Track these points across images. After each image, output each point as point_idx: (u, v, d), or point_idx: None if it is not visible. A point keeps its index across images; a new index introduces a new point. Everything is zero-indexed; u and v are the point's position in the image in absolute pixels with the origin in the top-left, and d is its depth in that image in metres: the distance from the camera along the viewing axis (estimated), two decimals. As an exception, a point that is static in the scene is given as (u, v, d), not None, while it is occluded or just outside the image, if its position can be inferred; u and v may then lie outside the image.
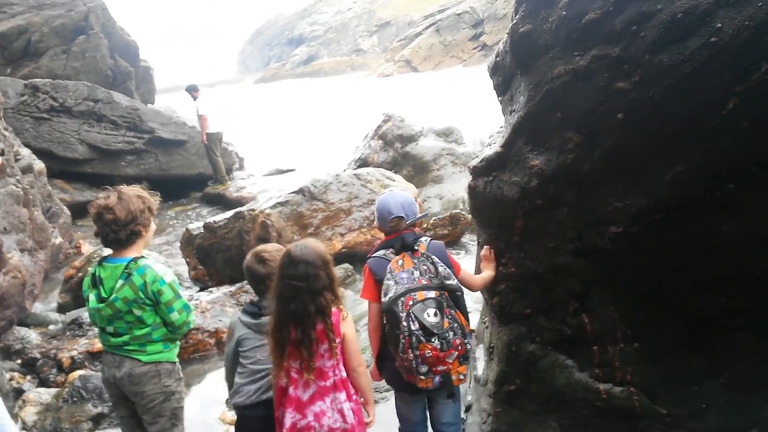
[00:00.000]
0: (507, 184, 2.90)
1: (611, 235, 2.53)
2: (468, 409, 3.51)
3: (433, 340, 2.47)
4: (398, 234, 2.78)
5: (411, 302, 2.51)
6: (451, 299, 2.60)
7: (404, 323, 2.48)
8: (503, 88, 3.15)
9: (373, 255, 2.81)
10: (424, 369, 2.51)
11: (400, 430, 2.95)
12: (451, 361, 2.54)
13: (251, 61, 71.85)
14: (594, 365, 2.82)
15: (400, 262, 2.64)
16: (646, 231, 2.44)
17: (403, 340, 2.49)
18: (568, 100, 2.54)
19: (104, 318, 2.57)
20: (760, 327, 2.36)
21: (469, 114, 13.89)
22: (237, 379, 2.65)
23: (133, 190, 2.62)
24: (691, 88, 2.15)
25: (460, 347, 2.54)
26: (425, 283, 2.58)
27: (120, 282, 2.53)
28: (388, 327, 2.60)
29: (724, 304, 2.37)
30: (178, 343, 2.81)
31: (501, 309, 3.13)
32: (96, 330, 2.82)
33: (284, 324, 2.34)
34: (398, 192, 2.92)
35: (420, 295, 2.54)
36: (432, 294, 2.55)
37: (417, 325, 2.47)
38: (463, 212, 7.84)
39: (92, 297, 2.59)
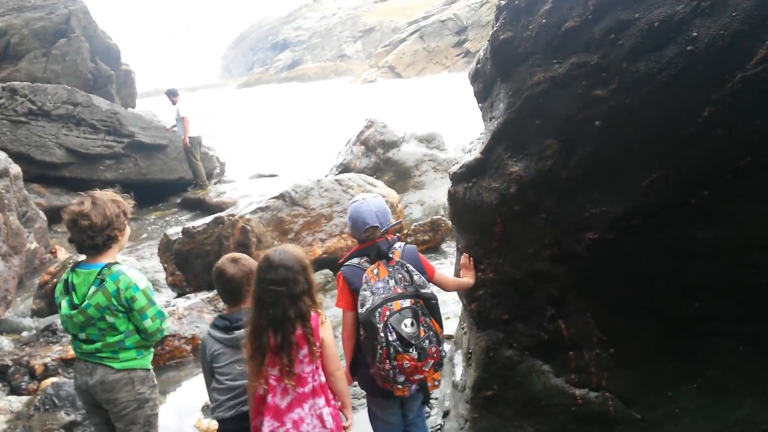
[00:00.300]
0: (486, 191, 2.90)
1: (588, 241, 2.55)
2: (446, 414, 3.50)
3: (410, 350, 2.47)
4: (373, 242, 2.75)
5: (388, 313, 2.49)
6: (426, 307, 2.59)
7: (381, 334, 2.47)
8: (484, 94, 3.17)
9: (347, 263, 2.77)
10: (401, 378, 2.51)
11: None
12: (427, 369, 2.54)
13: (234, 66, 71.60)
14: (570, 370, 2.83)
15: (375, 271, 2.62)
16: (622, 237, 2.46)
17: (380, 351, 2.47)
18: (547, 107, 2.55)
19: (76, 325, 2.52)
20: (734, 332, 2.38)
21: (452, 120, 13.95)
22: (215, 395, 2.62)
23: (106, 195, 2.57)
24: (667, 96, 2.18)
25: (435, 355, 2.55)
26: (401, 291, 2.56)
27: (93, 288, 2.48)
28: (364, 337, 2.58)
29: (700, 310, 2.40)
30: (152, 350, 2.76)
31: (479, 314, 3.13)
32: (70, 337, 2.75)
33: (263, 330, 2.31)
34: (371, 199, 2.85)
35: (396, 305, 2.52)
36: (407, 303, 2.54)
37: (394, 336, 2.46)
38: (444, 218, 7.86)
39: (64, 303, 2.53)
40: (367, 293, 2.56)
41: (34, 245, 7.58)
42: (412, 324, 2.50)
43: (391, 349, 2.46)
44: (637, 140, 2.30)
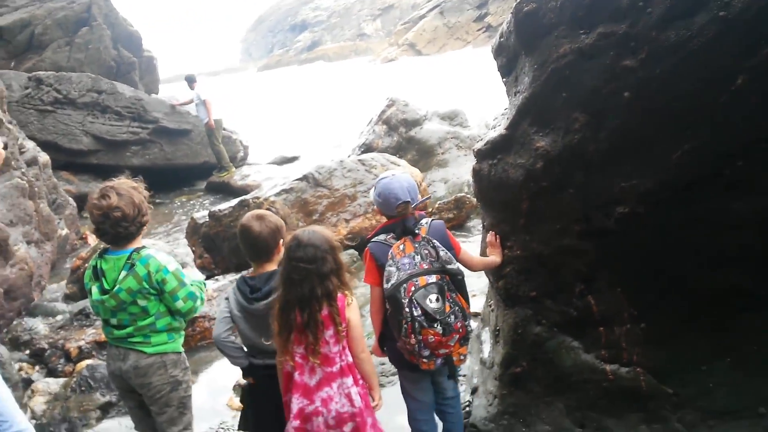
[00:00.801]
0: (512, 167, 2.87)
1: (618, 215, 2.50)
2: (474, 391, 3.51)
3: (435, 325, 2.49)
4: (399, 219, 2.75)
5: (413, 288, 2.51)
6: (452, 283, 2.60)
7: (406, 309, 2.49)
8: (507, 69, 3.11)
9: (373, 239, 2.79)
10: (426, 353, 2.54)
11: (409, 410, 2.94)
12: (452, 344, 2.56)
13: (254, 49, 71.62)
14: (600, 346, 2.81)
15: (402, 247, 2.63)
16: (653, 211, 2.41)
17: (405, 325, 2.50)
18: (574, 79, 2.50)
19: (108, 310, 2.56)
20: (769, 306, 2.33)
21: (475, 96, 13.80)
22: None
23: (125, 183, 2.59)
24: (699, 65, 2.11)
25: (461, 330, 2.57)
26: (426, 267, 2.58)
27: (123, 273, 2.51)
28: (390, 312, 2.61)
29: (733, 284, 2.35)
30: (183, 333, 2.80)
31: (506, 292, 3.11)
32: (101, 321, 2.81)
33: (290, 307, 2.33)
34: (401, 175, 2.86)
35: (422, 280, 2.54)
36: (433, 278, 2.55)
37: (419, 311, 2.48)
38: (468, 196, 7.81)
39: (95, 289, 2.57)
40: (393, 269, 2.58)
41: (65, 231, 7.75)
42: (437, 299, 2.51)
43: (416, 324, 2.48)
44: (667, 111, 2.24)
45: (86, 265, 6.30)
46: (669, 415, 2.71)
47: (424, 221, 2.79)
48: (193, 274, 2.84)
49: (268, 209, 6.72)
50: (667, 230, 2.43)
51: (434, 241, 2.66)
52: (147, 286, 2.52)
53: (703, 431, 2.62)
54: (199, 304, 2.70)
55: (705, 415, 2.62)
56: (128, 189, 2.54)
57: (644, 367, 2.72)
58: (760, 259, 2.27)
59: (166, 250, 7.39)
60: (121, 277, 2.51)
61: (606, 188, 2.52)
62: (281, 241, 2.65)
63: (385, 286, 2.59)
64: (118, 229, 2.50)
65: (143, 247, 2.60)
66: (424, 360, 2.56)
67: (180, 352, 2.76)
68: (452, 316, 2.53)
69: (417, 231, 2.69)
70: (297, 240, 2.37)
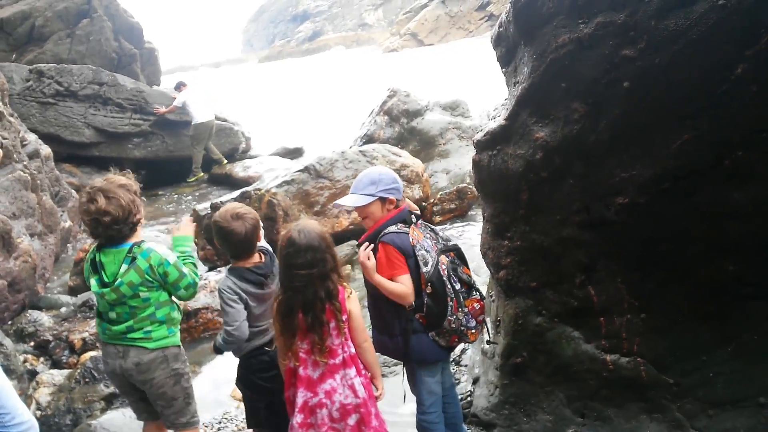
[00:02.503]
0: (511, 158, 2.86)
1: (618, 206, 2.50)
2: (476, 381, 3.52)
3: (474, 293, 2.67)
4: (399, 210, 2.76)
5: (444, 266, 2.62)
6: (457, 257, 2.75)
7: (449, 286, 2.61)
8: (507, 59, 3.10)
9: (387, 232, 2.63)
10: (473, 323, 2.68)
11: (423, 405, 2.83)
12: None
13: (256, 39, 71.38)
14: (601, 336, 2.81)
15: (415, 233, 2.68)
16: (653, 201, 2.41)
17: (451, 303, 2.59)
18: (573, 69, 2.49)
19: (107, 303, 2.55)
20: (769, 295, 2.33)
21: (477, 86, 13.75)
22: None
23: (114, 182, 2.51)
24: (698, 54, 2.10)
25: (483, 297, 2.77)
26: (439, 247, 2.70)
27: (124, 266, 2.49)
28: (431, 294, 2.57)
29: (734, 273, 2.35)
30: (179, 327, 2.78)
31: (507, 283, 3.12)
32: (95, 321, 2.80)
33: (293, 312, 2.32)
34: (383, 167, 3.05)
35: (443, 258, 2.66)
36: (449, 255, 2.71)
37: (459, 285, 2.63)
38: (470, 186, 7.79)
39: (94, 282, 2.55)
40: (423, 252, 2.61)
41: (68, 224, 7.76)
42: (463, 270, 2.69)
43: (460, 297, 2.62)
44: (667, 101, 2.23)
45: (89, 257, 6.32)
46: (669, 405, 2.72)
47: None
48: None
49: (269, 201, 6.74)
50: (667, 220, 2.43)
51: (427, 224, 2.80)
52: (150, 278, 2.51)
53: (703, 421, 2.63)
54: (197, 290, 2.74)
55: (705, 405, 2.63)
56: (116, 189, 2.47)
57: (644, 357, 2.73)
58: (760, 249, 2.27)
59: (167, 243, 7.42)
60: (122, 270, 2.49)
61: (606, 179, 2.51)
62: (261, 231, 2.69)
63: (424, 269, 2.56)
64: (110, 232, 2.47)
65: (143, 240, 2.59)
66: (472, 331, 2.69)
67: (179, 346, 2.76)
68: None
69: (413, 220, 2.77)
70: (294, 245, 2.30)
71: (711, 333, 2.53)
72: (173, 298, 2.67)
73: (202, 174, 12.13)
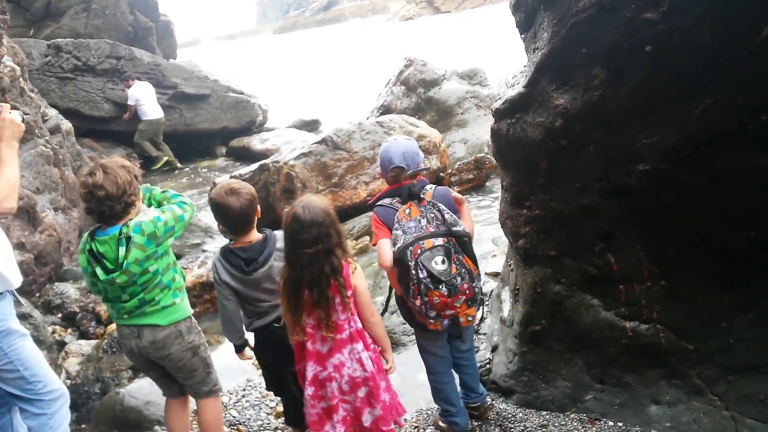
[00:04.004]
0: (531, 126, 2.84)
1: (639, 173, 2.48)
2: (494, 349, 3.56)
3: (440, 287, 2.53)
4: (399, 184, 2.76)
5: (419, 251, 2.55)
6: (458, 245, 2.62)
7: (413, 272, 2.54)
8: (526, 24, 3.05)
9: (379, 204, 2.80)
10: (432, 314, 2.59)
11: (426, 365, 3.00)
12: (459, 305, 2.59)
13: (270, 10, 70.72)
14: (620, 304, 2.82)
15: (407, 211, 2.65)
16: (675, 168, 2.38)
17: (412, 287, 2.56)
18: (594, 34, 2.45)
19: (118, 287, 2.54)
20: (792, 262, 2.31)
21: (494, 54, 13.55)
22: (245, 316, 2.76)
23: (116, 162, 2.55)
24: (722, 16, 2.05)
25: (467, 291, 2.59)
26: (433, 230, 2.60)
27: (122, 249, 2.49)
28: (398, 274, 2.65)
29: (755, 240, 2.33)
30: (185, 293, 2.78)
31: (526, 251, 3.12)
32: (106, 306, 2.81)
33: (299, 289, 2.33)
34: (402, 141, 2.85)
35: (428, 243, 2.56)
36: (440, 241, 2.57)
37: (425, 273, 2.53)
38: (488, 156, 7.75)
39: (99, 271, 2.50)
40: (399, 232, 2.62)
41: (88, 199, 7.86)
42: (443, 261, 2.54)
43: (422, 286, 2.54)
44: (689, 65, 2.19)
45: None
46: (688, 371, 2.73)
47: (428, 186, 2.80)
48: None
49: (288, 173, 6.77)
50: (689, 187, 2.40)
51: (439, 204, 2.68)
52: (154, 248, 2.51)
53: (722, 386, 2.65)
54: (189, 209, 2.69)
55: (724, 371, 2.64)
56: (116, 168, 2.49)
57: (664, 324, 2.73)
58: (783, 215, 2.25)
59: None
60: (122, 253, 2.47)
61: (627, 145, 2.49)
62: (258, 207, 2.68)
63: (392, 249, 2.63)
64: (102, 208, 2.46)
65: (129, 219, 2.55)
66: (431, 321, 2.62)
67: (190, 316, 2.76)
68: (458, 278, 2.56)
69: (422, 195, 2.70)
70: (299, 221, 2.30)
71: (730, 300, 2.52)
72: (174, 261, 2.66)
73: (167, 158, 11.44)
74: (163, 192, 2.82)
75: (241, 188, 2.65)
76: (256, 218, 2.71)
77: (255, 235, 2.69)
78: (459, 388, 3.10)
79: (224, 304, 2.72)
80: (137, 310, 2.60)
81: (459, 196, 2.89)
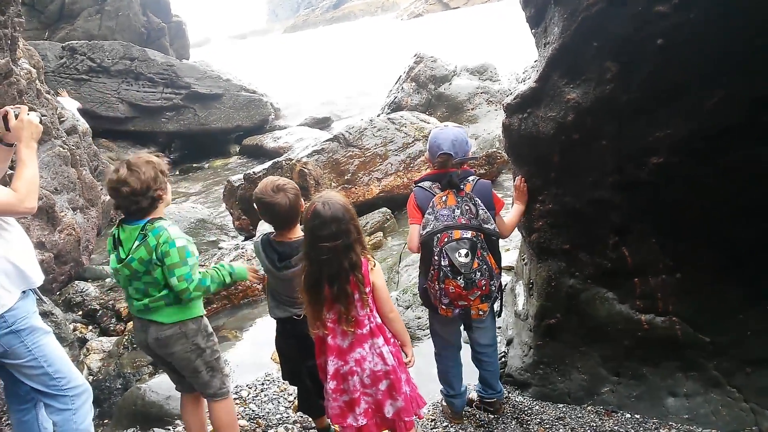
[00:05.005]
0: (542, 120, 2.85)
1: (652, 166, 2.49)
2: (509, 342, 3.58)
3: (458, 278, 2.58)
4: (445, 170, 2.79)
5: (446, 239, 2.60)
6: (485, 242, 2.66)
7: (435, 257, 2.61)
8: (536, 19, 3.05)
9: (419, 184, 2.86)
10: (446, 301, 2.66)
11: (434, 346, 3.07)
12: (473, 299, 2.64)
13: (280, 9, 70.85)
14: (635, 297, 2.83)
15: (444, 198, 2.70)
16: (687, 161, 2.39)
17: (432, 272, 2.64)
18: (605, 28, 2.45)
19: (124, 279, 2.60)
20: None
21: (504, 49, 13.50)
22: (271, 301, 2.81)
23: (141, 158, 2.59)
24: (734, 8, 2.05)
25: (484, 288, 2.63)
26: (464, 222, 2.64)
27: (136, 243, 2.53)
28: (421, 255, 2.73)
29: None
30: (201, 299, 2.75)
31: (539, 246, 3.13)
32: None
33: (319, 284, 2.35)
34: (452, 128, 2.91)
35: (456, 233, 2.61)
36: (468, 234, 2.61)
37: (446, 262, 2.58)
38: (500, 151, 7.76)
39: (113, 257, 2.59)
40: (431, 217, 2.67)
41: (108, 197, 7.97)
42: (466, 255, 2.58)
43: (441, 273, 2.60)
44: (701, 57, 2.19)
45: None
46: (705, 363, 2.74)
47: (471, 178, 2.82)
48: (225, 261, 2.76)
49: (301, 170, 6.82)
50: (702, 180, 2.41)
51: (476, 198, 2.71)
52: (155, 258, 2.51)
53: (740, 378, 2.65)
54: (194, 290, 2.56)
55: (742, 363, 2.64)
56: (140, 164, 2.53)
57: (680, 316, 2.74)
58: (797, 206, 2.25)
59: (204, 214, 7.59)
60: (134, 246, 2.53)
61: (639, 139, 2.50)
62: (302, 202, 2.69)
63: (421, 232, 2.70)
64: (128, 203, 2.51)
65: (159, 218, 2.59)
66: (443, 306, 2.69)
67: (200, 317, 2.74)
68: (478, 273, 2.60)
69: (462, 186, 2.73)
70: (319, 217, 2.32)
71: (746, 292, 2.53)
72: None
73: None
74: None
75: (286, 184, 2.67)
76: (300, 214, 2.67)
77: (297, 232, 2.69)
78: (477, 383, 3.15)
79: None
80: (143, 306, 2.63)
81: (501, 200, 2.91)
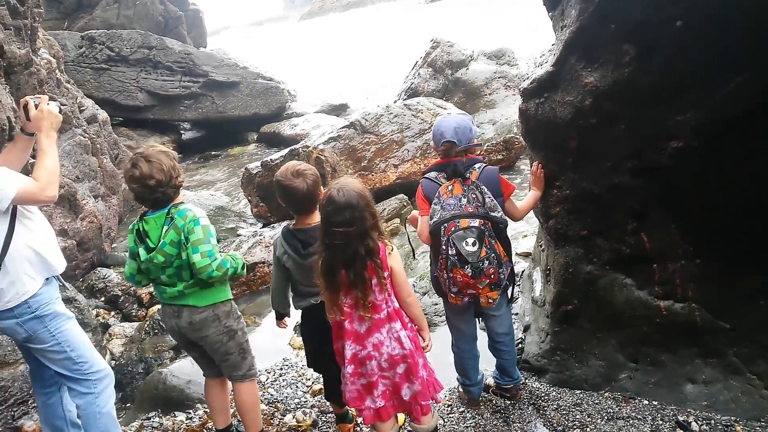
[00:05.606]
0: (559, 105, 2.82)
1: (671, 150, 2.45)
2: (526, 329, 3.57)
3: (465, 267, 2.58)
4: (450, 159, 2.78)
5: (453, 228, 2.60)
6: (493, 230, 2.64)
7: (443, 247, 2.62)
8: (553, 2, 3.01)
9: (426, 175, 2.87)
10: (454, 289, 2.67)
11: (452, 338, 3.09)
12: (481, 287, 2.63)
13: (297, -5, 70.56)
14: (654, 283, 2.80)
15: (450, 187, 2.69)
16: (707, 145, 2.35)
17: (440, 261, 2.65)
18: (623, 9, 2.41)
19: (158, 267, 2.63)
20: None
21: (522, 33, 13.33)
22: (294, 297, 2.82)
23: (154, 149, 2.65)
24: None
25: (492, 276, 2.61)
26: (471, 211, 2.63)
27: (165, 228, 2.58)
28: (431, 245, 2.77)
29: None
30: (228, 282, 2.84)
31: (557, 232, 3.11)
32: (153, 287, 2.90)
33: (335, 270, 2.37)
34: (455, 116, 2.88)
35: (463, 222, 2.60)
36: (475, 223, 2.60)
37: (454, 251, 2.59)
38: (517, 136, 7.68)
39: (142, 251, 2.63)
40: (437, 207, 2.67)
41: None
42: (474, 243, 2.57)
43: (449, 262, 2.61)
44: (721, 39, 2.15)
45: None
46: (725, 350, 2.71)
47: (477, 165, 2.80)
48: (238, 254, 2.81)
49: (317, 157, 6.83)
50: (723, 164, 2.37)
51: (483, 186, 2.69)
52: (183, 238, 2.57)
53: (761, 365, 2.62)
54: (215, 268, 2.60)
55: (763, 350, 2.61)
56: (157, 155, 2.58)
57: (699, 302, 2.71)
58: (821, 190, 2.20)
59: (223, 202, 7.65)
60: (163, 232, 2.58)
61: (658, 123, 2.46)
62: (322, 188, 2.70)
63: (429, 222, 2.71)
64: (156, 195, 2.57)
65: (181, 202, 2.66)
66: (452, 295, 2.70)
67: (230, 300, 2.82)
68: (486, 261, 2.59)
69: (468, 175, 2.71)
70: (333, 203, 2.33)
71: (765, 278, 2.49)
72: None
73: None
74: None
75: (306, 169, 2.70)
76: (319, 199, 2.68)
77: (316, 218, 2.70)
78: (494, 369, 3.17)
79: (273, 277, 2.85)
80: (176, 292, 2.69)
81: (510, 184, 2.88)
